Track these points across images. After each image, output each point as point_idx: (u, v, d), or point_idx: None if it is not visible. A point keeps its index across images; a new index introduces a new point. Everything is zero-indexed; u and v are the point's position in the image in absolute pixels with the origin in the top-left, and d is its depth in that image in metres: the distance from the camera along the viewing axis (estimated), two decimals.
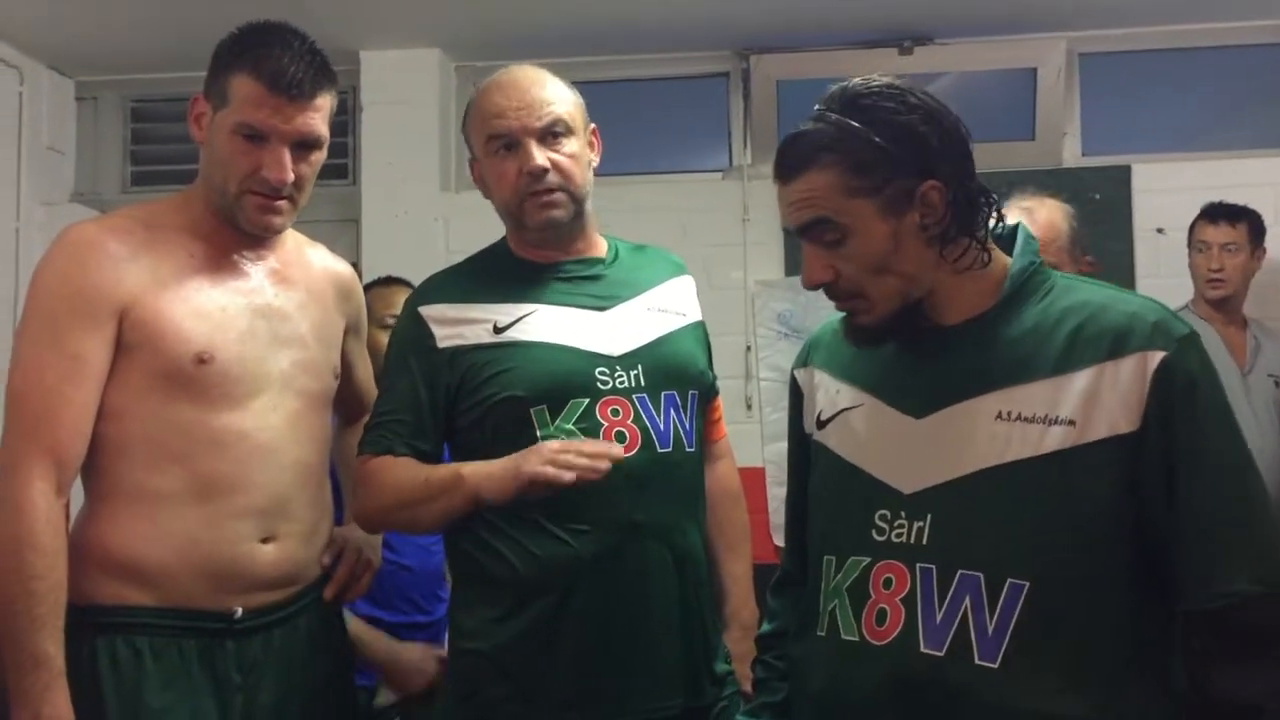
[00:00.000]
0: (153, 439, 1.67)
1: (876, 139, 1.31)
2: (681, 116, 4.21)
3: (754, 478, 3.71)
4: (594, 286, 1.84)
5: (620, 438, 1.73)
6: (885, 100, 1.33)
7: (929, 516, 1.32)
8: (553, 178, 1.78)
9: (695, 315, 1.93)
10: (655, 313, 1.86)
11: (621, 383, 1.75)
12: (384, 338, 2.09)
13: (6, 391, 1.65)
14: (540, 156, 1.77)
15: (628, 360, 1.78)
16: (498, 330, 1.77)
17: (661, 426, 1.76)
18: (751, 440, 3.79)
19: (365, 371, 2.02)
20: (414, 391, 1.79)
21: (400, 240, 3.89)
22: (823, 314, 4.32)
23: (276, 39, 1.71)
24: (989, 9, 3.69)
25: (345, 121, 4.10)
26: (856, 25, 3.79)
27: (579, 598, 1.70)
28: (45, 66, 4.07)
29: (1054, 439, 1.27)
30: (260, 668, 1.72)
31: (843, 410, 1.45)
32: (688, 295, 1.95)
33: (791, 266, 3.88)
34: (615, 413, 1.73)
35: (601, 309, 1.82)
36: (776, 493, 3.78)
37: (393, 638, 2.39)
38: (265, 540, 1.72)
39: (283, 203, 1.74)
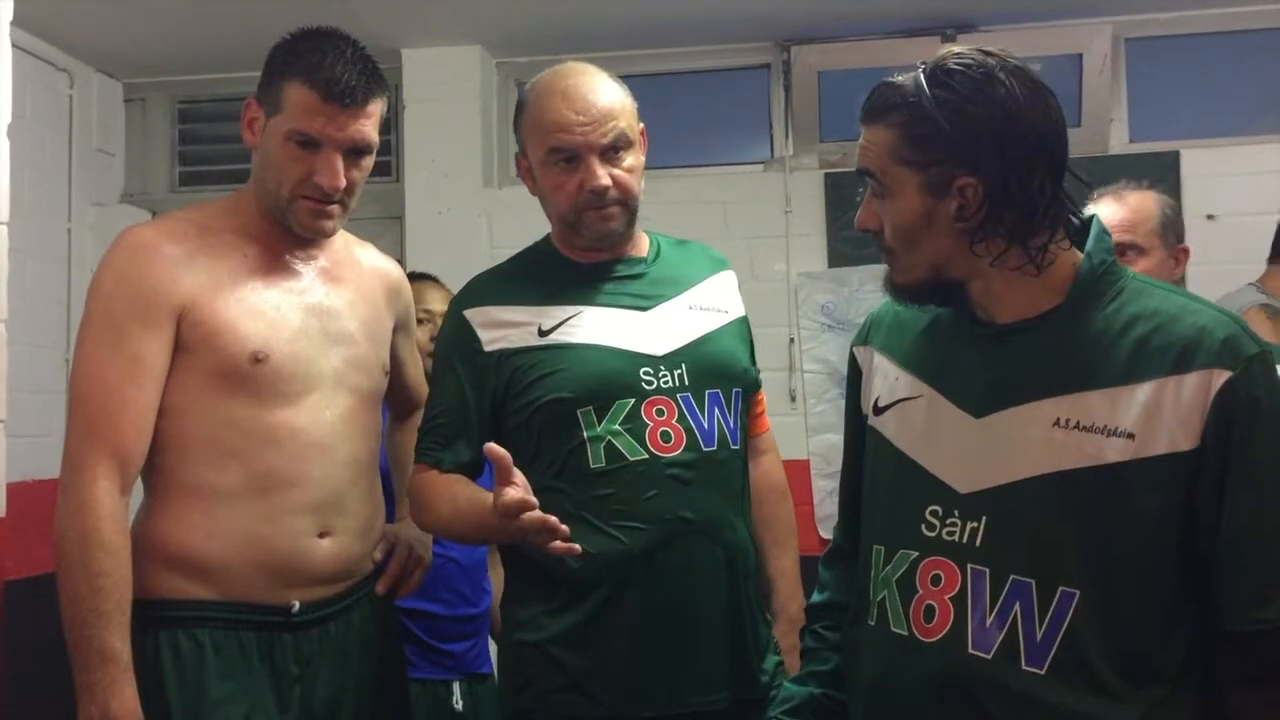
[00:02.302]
0: (210, 436, 1.70)
1: (939, 117, 1.29)
2: (722, 109, 4.21)
3: (799, 470, 3.71)
4: (637, 286, 1.85)
5: (665, 437, 1.74)
6: (967, 81, 1.29)
7: (984, 519, 1.31)
8: (613, 193, 1.79)
9: (738, 311, 1.93)
10: (698, 311, 1.87)
11: (666, 382, 1.76)
12: (420, 333, 2.12)
13: (70, 392, 1.69)
14: (604, 175, 1.77)
15: (671, 360, 1.79)
16: (543, 333, 1.79)
17: (706, 425, 1.77)
18: (796, 432, 3.78)
19: (415, 368, 2.04)
20: (461, 396, 1.81)
21: (444, 236, 3.92)
22: (866, 306, 4.30)
23: (330, 46, 1.72)
24: None
25: (388, 119, 4.13)
26: (898, 14, 3.76)
27: (631, 593, 1.72)
28: (94, 69, 4.13)
29: (1113, 451, 1.25)
30: (317, 660, 1.75)
31: (901, 400, 1.44)
32: (730, 291, 1.95)
33: (835, 258, 3.87)
34: (660, 412, 1.75)
35: (644, 309, 1.83)
36: (821, 485, 3.77)
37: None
38: (322, 535, 1.75)
39: (334, 207, 1.76)
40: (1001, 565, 1.29)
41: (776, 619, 1.92)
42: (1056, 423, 1.28)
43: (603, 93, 1.80)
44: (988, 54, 1.32)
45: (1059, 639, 1.25)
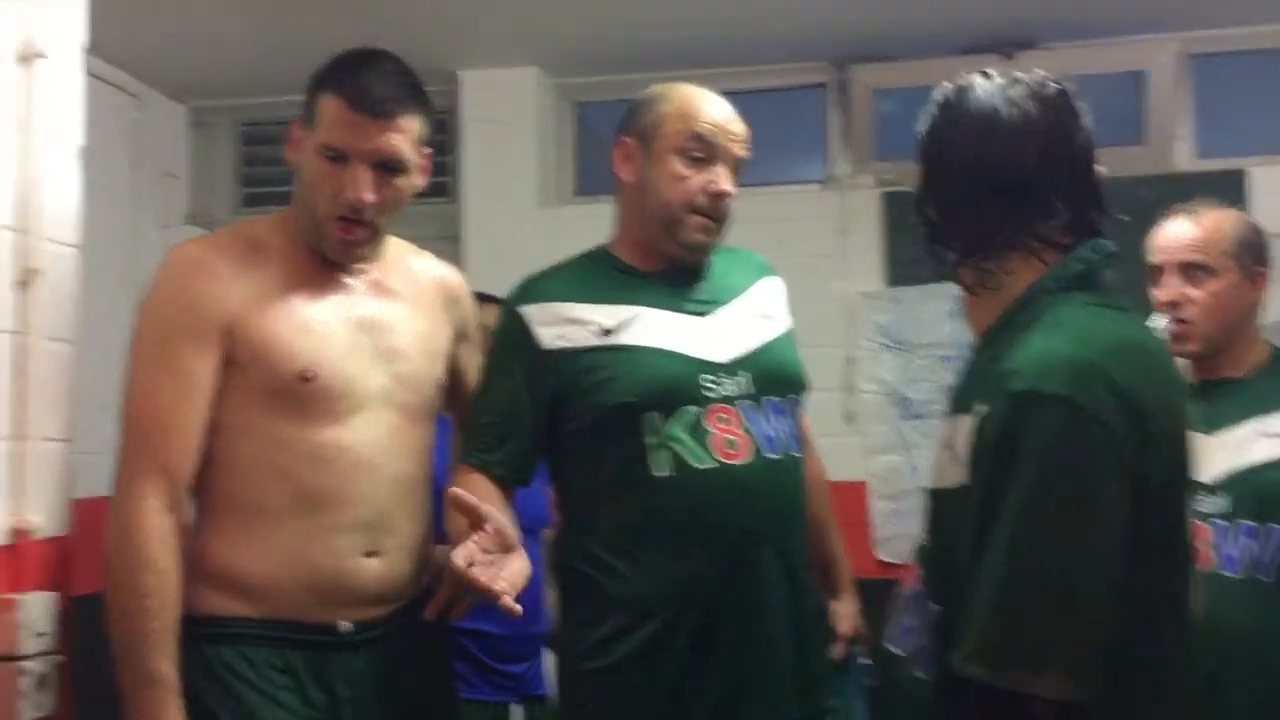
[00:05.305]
0: (257, 454, 1.69)
1: (921, 142, 1.40)
2: (778, 128, 4.19)
3: (854, 492, 3.67)
4: (693, 291, 1.84)
5: (731, 445, 1.72)
6: (935, 106, 1.39)
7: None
8: (723, 206, 1.80)
9: (786, 317, 1.93)
10: (755, 318, 1.86)
11: (728, 390, 1.75)
12: None
13: (122, 411, 1.70)
14: (730, 184, 1.79)
15: (733, 367, 1.77)
16: (605, 332, 1.76)
17: (770, 433, 1.76)
18: (851, 454, 3.74)
19: (473, 375, 1.99)
20: (514, 395, 1.78)
21: (500, 256, 3.92)
22: (926, 325, 4.21)
23: (368, 61, 1.71)
24: (1095, 11, 3.60)
25: (445, 140, 4.17)
26: (957, 32, 3.73)
27: (693, 612, 1.69)
28: (161, 93, 4.21)
29: (955, 475, 1.28)
30: (366, 680, 1.72)
31: None
32: (779, 297, 1.94)
33: (893, 277, 3.83)
34: (723, 420, 1.73)
35: (703, 314, 1.82)
36: (880, 506, 3.73)
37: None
38: (369, 554, 1.72)
39: (362, 231, 1.72)
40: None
41: (840, 593, 1.92)
42: (942, 442, 1.33)
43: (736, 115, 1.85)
44: (966, 77, 1.39)
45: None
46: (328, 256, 1.75)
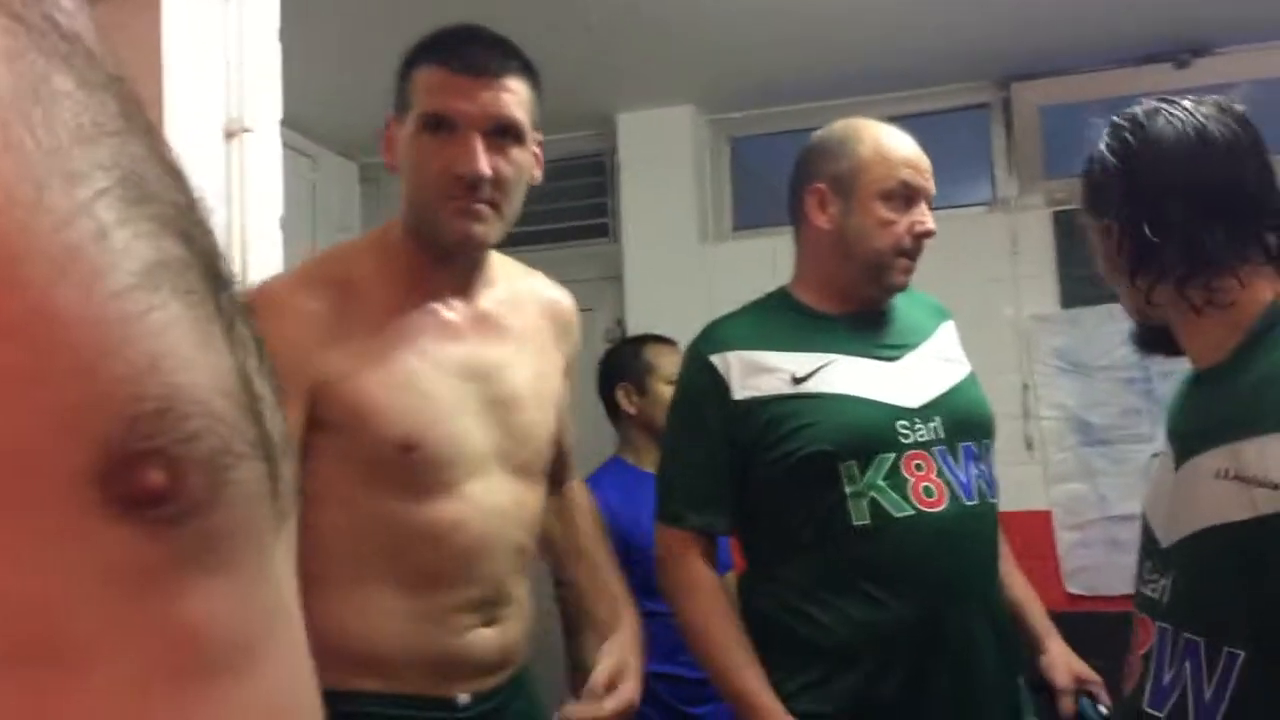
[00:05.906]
0: (362, 530, 1.50)
1: (1095, 168, 1.39)
2: (941, 151, 4.10)
3: (1038, 521, 3.54)
4: (880, 336, 1.81)
5: (928, 492, 1.68)
6: (1112, 130, 1.37)
7: (1172, 574, 1.30)
8: (922, 245, 1.78)
9: (966, 362, 1.88)
10: (942, 362, 1.82)
11: (922, 435, 1.71)
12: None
13: None
14: (932, 221, 1.78)
15: (925, 412, 1.73)
16: (797, 380, 1.73)
17: (964, 479, 1.72)
18: (1033, 482, 3.62)
19: (569, 430, 1.79)
20: (710, 449, 1.74)
21: (663, 294, 3.96)
22: (1105, 348, 4.05)
23: (463, 30, 1.52)
24: (1273, 10, 3.43)
25: (604, 182, 4.23)
26: (1123, 42, 3.60)
27: (898, 662, 1.65)
28: (333, 153, 4.40)
29: (1264, 503, 1.19)
30: None
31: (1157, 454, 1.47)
32: (957, 341, 1.91)
33: (1067, 299, 3.70)
34: (919, 467, 1.69)
35: (892, 359, 1.78)
36: (1065, 536, 3.59)
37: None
38: (488, 624, 1.57)
39: (482, 207, 1.48)
40: (1178, 622, 1.28)
41: (1044, 642, 1.84)
42: (1218, 473, 1.25)
43: None
44: (1145, 101, 1.38)
45: (1226, 701, 1.21)
46: (446, 246, 1.52)
